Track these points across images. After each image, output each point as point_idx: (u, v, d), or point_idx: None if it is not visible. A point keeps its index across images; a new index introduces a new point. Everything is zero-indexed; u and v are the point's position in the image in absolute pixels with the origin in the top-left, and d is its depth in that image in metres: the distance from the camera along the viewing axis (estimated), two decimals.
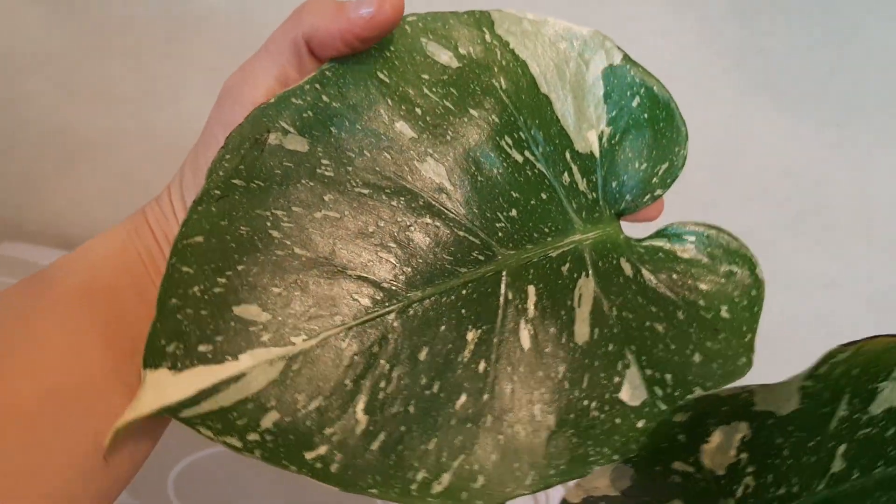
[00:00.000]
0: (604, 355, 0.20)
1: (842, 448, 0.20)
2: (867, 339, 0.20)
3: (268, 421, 0.16)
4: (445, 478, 0.17)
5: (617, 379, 0.19)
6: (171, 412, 0.16)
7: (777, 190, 0.49)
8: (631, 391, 0.19)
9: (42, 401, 0.17)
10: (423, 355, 0.18)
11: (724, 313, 0.21)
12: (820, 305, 0.52)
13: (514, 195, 0.20)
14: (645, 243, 0.22)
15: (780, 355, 0.56)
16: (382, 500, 0.17)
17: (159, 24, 0.47)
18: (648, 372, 0.20)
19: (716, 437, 0.20)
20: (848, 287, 0.52)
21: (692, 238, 0.22)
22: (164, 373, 0.16)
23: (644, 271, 0.21)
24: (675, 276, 0.21)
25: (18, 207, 0.54)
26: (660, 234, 0.22)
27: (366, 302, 0.18)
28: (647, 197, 0.21)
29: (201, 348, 0.16)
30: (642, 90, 0.21)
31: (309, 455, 0.16)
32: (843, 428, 0.20)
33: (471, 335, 0.19)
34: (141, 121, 0.50)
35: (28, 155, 0.53)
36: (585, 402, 0.19)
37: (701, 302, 0.21)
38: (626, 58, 0.21)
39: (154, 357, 0.16)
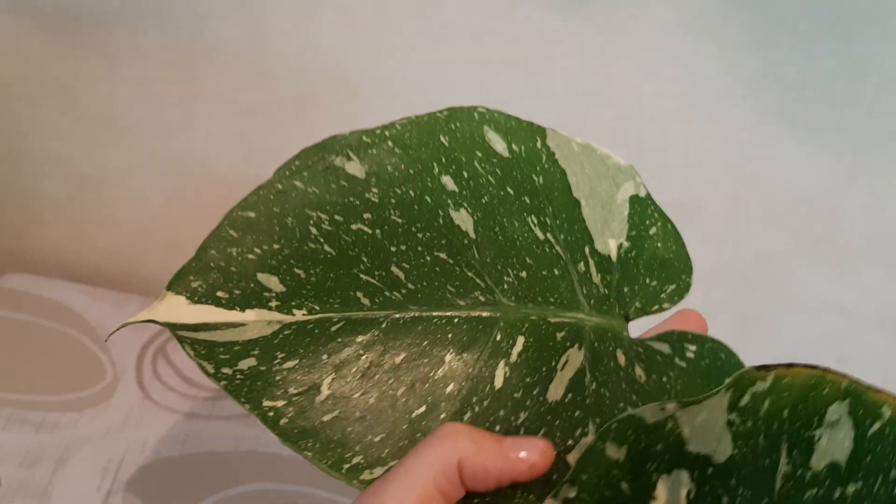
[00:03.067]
0: (567, 418, 0.21)
1: None
2: (783, 366, 0.19)
3: (245, 364, 0.19)
4: (378, 471, 0.19)
5: (570, 442, 0.20)
6: (171, 327, 0.19)
7: (793, 217, 0.49)
8: (577, 456, 0.20)
9: None
10: (399, 360, 0.20)
11: None
12: (833, 330, 0.52)
13: (528, 261, 0.22)
14: (647, 343, 0.23)
15: None
16: (314, 464, 0.19)
17: (168, 52, 0.46)
18: None
19: (661, 492, 0.20)
20: (861, 313, 0.52)
21: (693, 348, 0.23)
22: (181, 300, 0.19)
23: (637, 368, 0.22)
24: (664, 379, 0.22)
25: (21, 238, 0.53)
26: (663, 337, 0.23)
27: (366, 301, 0.20)
28: (656, 307, 0.23)
29: (219, 294, 0.19)
30: (659, 223, 0.24)
31: (266, 403, 0.19)
32: (789, 488, 0.19)
33: (449, 357, 0.21)
34: (149, 150, 0.49)
35: (32, 184, 0.51)
36: (521, 420, 0.20)
37: None
38: (650, 195, 0.24)
39: (179, 285, 0.19)
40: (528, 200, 0.22)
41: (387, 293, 0.21)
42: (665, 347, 0.23)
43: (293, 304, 0.20)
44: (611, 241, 0.23)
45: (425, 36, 0.45)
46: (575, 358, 0.21)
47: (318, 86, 0.47)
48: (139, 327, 0.48)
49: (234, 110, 0.48)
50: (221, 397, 0.45)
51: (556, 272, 0.22)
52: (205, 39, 0.46)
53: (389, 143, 0.21)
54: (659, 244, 0.23)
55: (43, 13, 0.45)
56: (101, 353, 0.46)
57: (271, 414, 0.19)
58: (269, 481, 0.40)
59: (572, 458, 0.20)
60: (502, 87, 0.46)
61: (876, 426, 0.19)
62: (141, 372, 0.45)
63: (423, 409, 0.20)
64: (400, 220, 0.21)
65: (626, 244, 0.23)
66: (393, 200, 0.21)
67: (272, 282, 0.20)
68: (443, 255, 0.21)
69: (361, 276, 0.21)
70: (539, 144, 0.23)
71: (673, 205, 0.50)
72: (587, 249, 0.23)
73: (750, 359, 0.61)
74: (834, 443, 0.19)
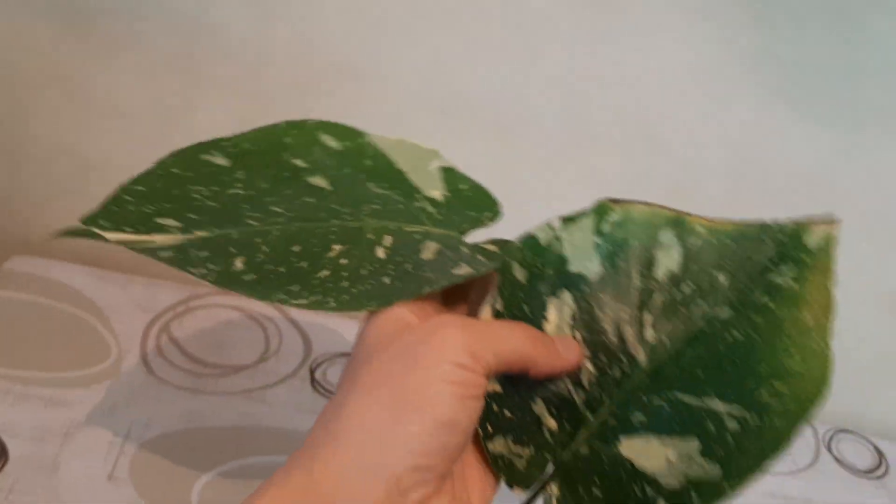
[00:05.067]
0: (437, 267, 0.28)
1: (648, 318, 0.25)
2: (625, 201, 0.26)
3: (164, 254, 0.24)
4: (303, 301, 0.24)
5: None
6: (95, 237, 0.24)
7: (791, 193, 0.49)
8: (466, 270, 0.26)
9: None
10: (295, 248, 0.26)
11: None
12: None
13: (377, 201, 0.29)
14: (481, 245, 0.30)
15: None
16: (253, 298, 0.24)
17: (170, 38, 0.47)
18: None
19: (552, 314, 0.26)
20: (859, 287, 0.52)
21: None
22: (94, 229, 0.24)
23: (477, 254, 0.29)
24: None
25: (27, 222, 0.54)
26: (494, 242, 0.29)
27: (255, 223, 0.26)
28: (480, 225, 0.30)
29: (125, 228, 0.25)
30: (468, 183, 0.31)
31: (190, 269, 0.24)
32: (643, 297, 0.25)
33: (337, 247, 0.26)
34: (151, 136, 0.50)
35: (37, 170, 0.52)
36: (408, 267, 0.26)
37: None
38: (454, 167, 0.31)
39: (89, 223, 0.25)
40: (363, 176, 0.30)
41: (272, 218, 0.27)
42: (494, 247, 0.30)
43: (193, 229, 0.25)
44: (434, 192, 0.30)
45: (426, 20, 0.45)
46: (432, 246, 0.28)
47: (319, 71, 0.47)
48: (144, 309, 0.49)
49: (235, 96, 0.48)
50: (224, 374, 0.46)
51: (401, 206, 0.29)
52: (206, 26, 0.46)
53: (246, 145, 0.28)
54: (470, 194, 0.31)
55: (45, 1, 0.46)
56: (107, 332, 0.47)
57: (195, 271, 0.24)
58: (270, 454, 0.41)
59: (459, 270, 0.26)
60: (502, 69, 0.47)
61: (693, 240, 0.25)
62: (145, 350, 0.46)
63: (325, 272, 0.25)
64: (266, 186, 0.28)
65: (447, 195, 0.30)
66: (258, 176, 0.28)
67: (170, 221, 0.25)
68: (311, 200, 0.28)
69: (247, 212, 0.26)
70: (363, 140, 0.31)
71: (673, 184, 0.50)
72: (419, 195, 0.30)
73: None
74: (668, 258, 0.25)
